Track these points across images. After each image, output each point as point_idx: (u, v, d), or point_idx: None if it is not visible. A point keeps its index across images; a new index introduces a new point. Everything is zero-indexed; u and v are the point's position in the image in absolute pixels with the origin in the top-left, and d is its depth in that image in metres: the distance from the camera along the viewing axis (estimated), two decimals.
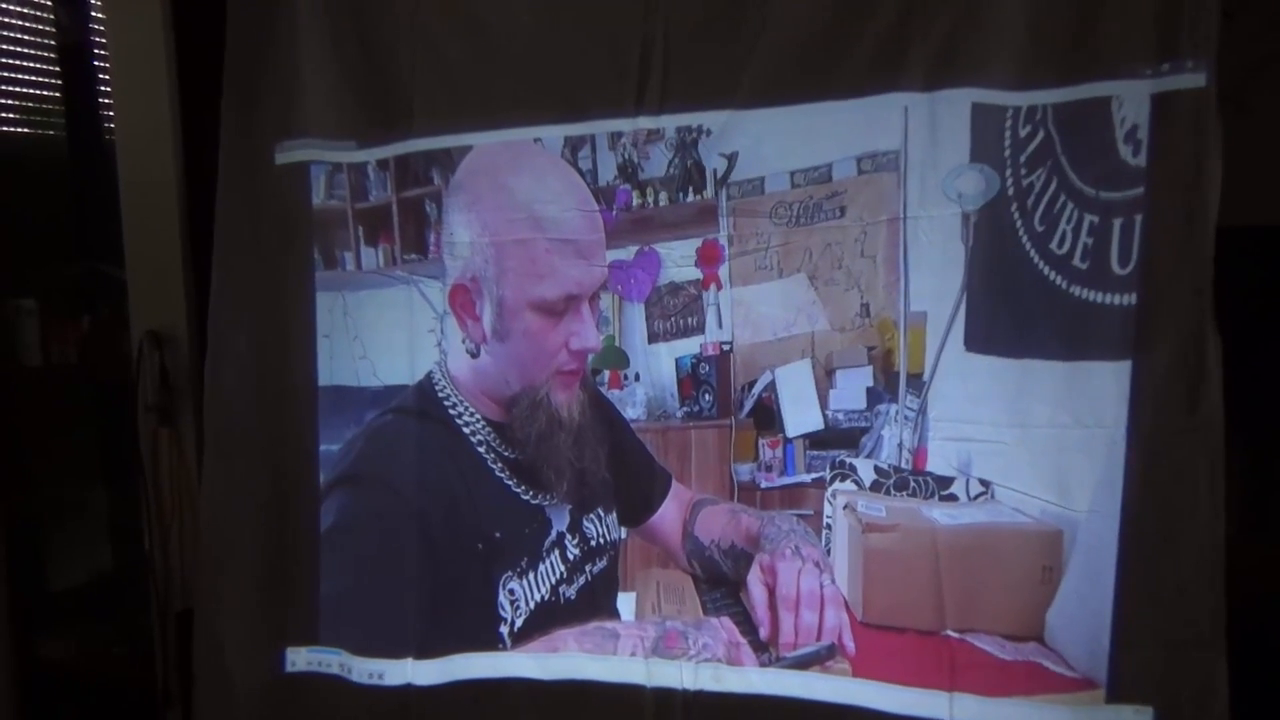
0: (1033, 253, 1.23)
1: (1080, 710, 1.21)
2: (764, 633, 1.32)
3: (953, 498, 1.30)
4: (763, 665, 1.33)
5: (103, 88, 2.20)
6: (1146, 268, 1.16)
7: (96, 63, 2.23)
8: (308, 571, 1.48)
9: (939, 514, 1.30)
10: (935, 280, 1.28)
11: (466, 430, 1.39)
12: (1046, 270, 1.23)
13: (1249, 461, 1.66)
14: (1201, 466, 1.15)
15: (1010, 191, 1.24)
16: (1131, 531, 1.17)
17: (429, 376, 1.44)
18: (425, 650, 1.44)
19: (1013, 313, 1.25)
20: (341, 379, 1.50)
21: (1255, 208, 1.32)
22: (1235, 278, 1.15)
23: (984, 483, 1.28)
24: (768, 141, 1.32)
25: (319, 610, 1.48)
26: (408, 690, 1.44)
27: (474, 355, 1.39)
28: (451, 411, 1.40)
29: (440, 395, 1.41)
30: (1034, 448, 1.24)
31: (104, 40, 1.97)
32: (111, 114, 1.97)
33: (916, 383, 1.30)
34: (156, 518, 1.91)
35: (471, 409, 1.40)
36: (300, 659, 1.50)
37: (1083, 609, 1.21)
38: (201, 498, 1.57)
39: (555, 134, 1.38)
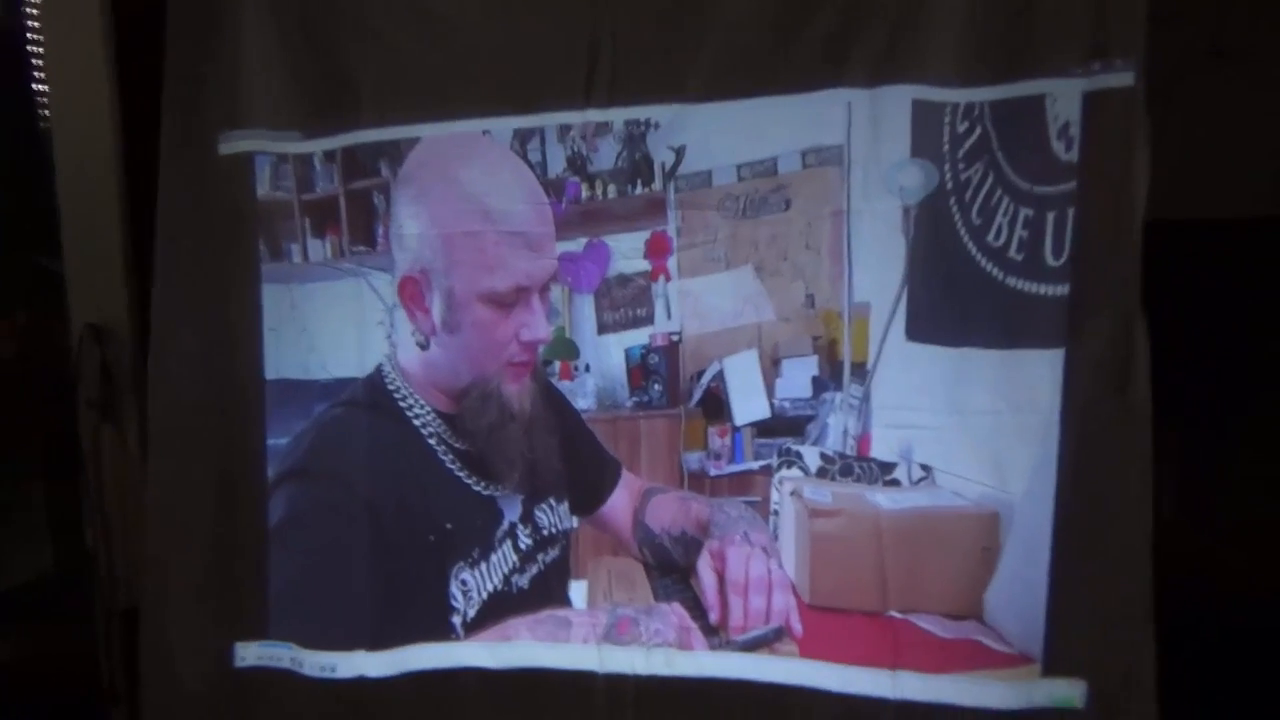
0: (970, 245, 1.27)
1: (1017, 685, 1.25)
2: (714, 617, 1.35)
3: (895, 482, 1.34)
4: (713, 648, 1.35)
5: (37, 74, 2.14)
6: (1078, 259, 1.21)
7: (30, 47, 2.17)
8: (256, 566, 1.47)
9: (882, 499, 1.33)
10: (878, 271, 1.31)
11: (417, 423, 1.39)
12: (983, 262, 1.27)
13: (1184, 448, 1.73)
14: (1130, 450, 1.19)
15: (949, 186, 1.27)
16: (1065, 513, 1.22)
17: (378, 369, 1.43)
18: (378, 642, 1.43)
19: (952, 303, 1.29)
20: (289, 372, 1.49)
21: (1184, 202, 1.37)
22: (1166, 269, 1.19)
23: (925, 467, 1.32)
24: (715, 135, 1.34)
25: (268, 605, 1.47)
26: (361, 682, 1.44)
27: (424, 347, 1.39)
28: (402, 404, 1.40)
29: (390, 388, 1.41)
30: (972, 433, 1.28)
31: (38, 24, 1.92)
32: (47, 101, 1.92)
33: (860, 371, 1.33)
34: (99, 515, 1.87)
35: (422, 401, 1.40)
36: (250, 654, 1.49)
37: (1019, 588, 1.25)
38: (146, 494, 1.54)
39: (504, 126, 1.38)
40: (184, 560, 1.50)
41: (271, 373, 1.48)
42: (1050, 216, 1.22)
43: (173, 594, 1.50)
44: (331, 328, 1.48)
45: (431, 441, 1.39)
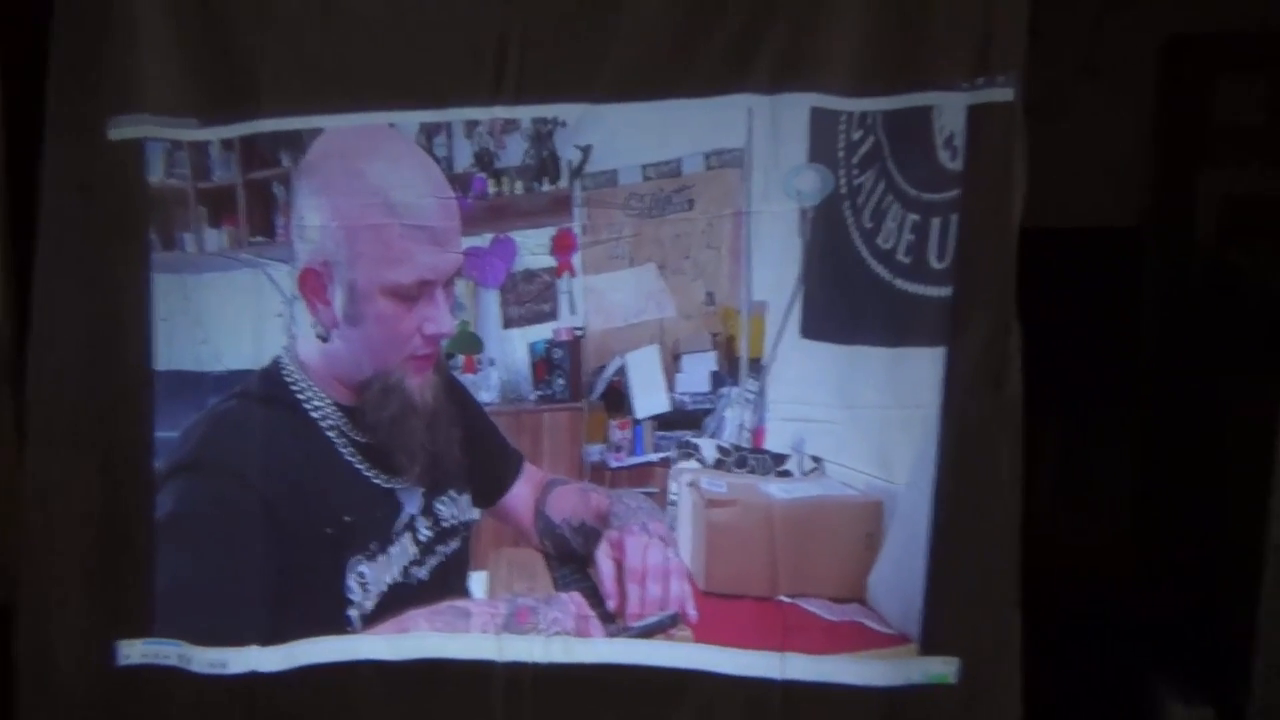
0: (861, 248, 1.33)
1: (897, 663, 1.31)
2: (612, 605, 1.38)
3: (787, 473, 1.39)
4: (610, 636, 1.38)
5: None
6: (960, 263, 1.27)
7: None
8: (141, 562, 1.42)
9: (775, 489, 1.38)
10: (775, 271, 1.35)
11: (316, 415, 1.38)
12: (873, 264, 1.32)
13: (1060, 442, 1.83)
14: (1004, 443, 1.26)
15: (843, 190, 1.33)
16: (942, 501, 1.28)
17: (276, 361, 1.41)
18: (271, 637, 1.41)
19: (844, 303, 1.34)
20: (181, 364, 1.44)
21: (1057, 210, 1.46)
22: (1043, 274, 1.26)
23: (816, 459, 1.37)
24: (621, 135, 1.36)
25: (154, 601, 1.43)
26: (253, 678, 1.41)
27: (324, 340, 1.37)
28: (300, 396, 1.38)
29: (288, 380, 1.39)
30: (860, 427, 1.33)
31: None
32: None
33: (756, 367, 1.38)
34: None
35: (321, 394, 1.38)
36: (134, 652, 1.44)
37: (899, 572, 1.31)
38: (25, 488, 1.48)
39: (410, 120, 1.37)
40: (65, 556, 1.44)
41: (163, 364, 1.44)
42: (935, 222, 1.28)
43: (52, 590, 1.44)
44: (227, 319, 1.44)
45: (331, 434, 1.38)
